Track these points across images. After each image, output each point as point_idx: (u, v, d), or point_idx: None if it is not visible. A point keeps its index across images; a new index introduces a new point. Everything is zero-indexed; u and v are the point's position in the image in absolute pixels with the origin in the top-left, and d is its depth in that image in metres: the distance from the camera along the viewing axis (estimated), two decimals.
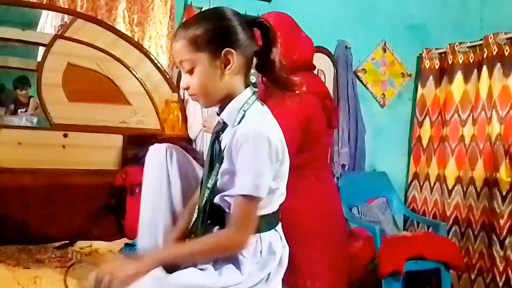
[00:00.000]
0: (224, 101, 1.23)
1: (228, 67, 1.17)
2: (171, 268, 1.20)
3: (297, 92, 1.31)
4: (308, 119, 1.69)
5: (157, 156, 1.36)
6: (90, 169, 2.48)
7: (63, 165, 2.45)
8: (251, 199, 1.14)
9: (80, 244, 2.11)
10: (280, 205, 1.28)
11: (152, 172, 1.37)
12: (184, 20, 2.92)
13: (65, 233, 2.15)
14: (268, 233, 1.24)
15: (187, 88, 1.22)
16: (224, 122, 1.23)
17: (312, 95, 1.72)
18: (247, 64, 1.22)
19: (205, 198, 1.22)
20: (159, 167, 1.34)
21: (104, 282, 1.09)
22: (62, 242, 2.11)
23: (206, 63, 1.17)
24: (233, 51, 1.16)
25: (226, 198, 1.21)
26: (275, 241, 1.25)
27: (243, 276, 1.18)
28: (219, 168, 1.21)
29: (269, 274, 1.23)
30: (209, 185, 1.21)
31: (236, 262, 1.19)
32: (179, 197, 1.34)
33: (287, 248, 1.30)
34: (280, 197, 1.27)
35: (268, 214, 1.23)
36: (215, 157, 1.22)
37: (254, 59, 1.24)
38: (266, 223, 1.23)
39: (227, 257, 1.20)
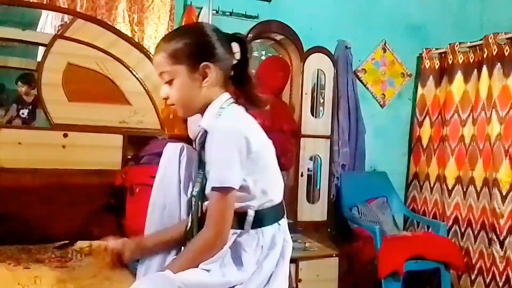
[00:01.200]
0: (203, 111, 1.28)
1: (206, 80, 1.25)
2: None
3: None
4: None
5: (172, 152, 1.40)
6: (90, 169, 2.47)
7: (63, 165, 2.44)
8: (221, 191, 1.17)
9: (80, 244, 2.11)
10: (282, 199, 1.31)
11: (167, 165, 1.40)
12: (183, 20, 2.93)
13: (65, 233, 2.15)
14: (270, 227, 1.26)
15: (166, 98, 1.28)
16: (205, 130, 1.26)
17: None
18: (225, 76, 1.28)
19: (193, 205, 1.27)
20: (173, 163, 1.38)
21: None
22: (62, 242, 2.10)
23: (184, 75, 1.24)
24: (210, 65, 1.23)
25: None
26: (278, 235, 1.27)
27: (246, 273, 1.20)
28: (203, 174, 1.24)
29: (272, 268, 1.24)
30: (194, 193, 1.26)
31: (238, 259, 1.21)
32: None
33: (290, 242, 1.32)
34: (273, 190, 1.28)
35: (268, 208, 1.25)
36: (201, 164, 1.27)
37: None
38: (268, 217, 1.25)
39: (230, 254, 1.22)
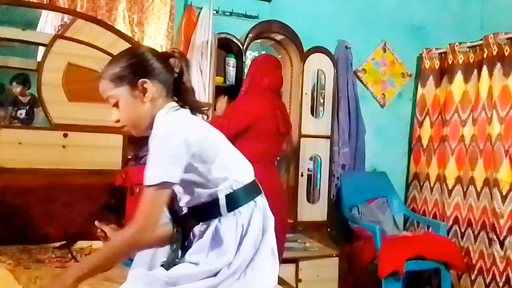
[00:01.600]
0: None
1: (146, 95, 1.31)
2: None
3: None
4: (256, 118, 2.44)
5: None
6: (90, 169, 2.48)
7: (63, 165, 2.45)
8: (151, 188, 1.22)
9: (80, 244, 2.11)
10: (253, 179, 1.37)
11: None
12: (183, 20, 2.94)
13: (65, 233, 2.15)
14: (246, 206, 1.32)
15: (117, 121, 1.34)
16: None
17: (267, 103, 2.52)
18: (168, 89, 1.35)
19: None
20: None
21: None
22: (62, 242, 2.11)
23: (127, 95, 1.31)
24: (147, 80, 1.30)
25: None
26: (256, 212, 1.33)
27: (230, 254, 1.25)
28: None
29: (256, 244, 1.30)
30: None
31: (221, 243, 1.27)
32: None
33: (272, 217, 1.38)
34: (234, 172, 1.33)
35: (239, 189, 1.31)
36: None
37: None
38: (241, 197, 1.32)
39: (213, 241, 1.27)
